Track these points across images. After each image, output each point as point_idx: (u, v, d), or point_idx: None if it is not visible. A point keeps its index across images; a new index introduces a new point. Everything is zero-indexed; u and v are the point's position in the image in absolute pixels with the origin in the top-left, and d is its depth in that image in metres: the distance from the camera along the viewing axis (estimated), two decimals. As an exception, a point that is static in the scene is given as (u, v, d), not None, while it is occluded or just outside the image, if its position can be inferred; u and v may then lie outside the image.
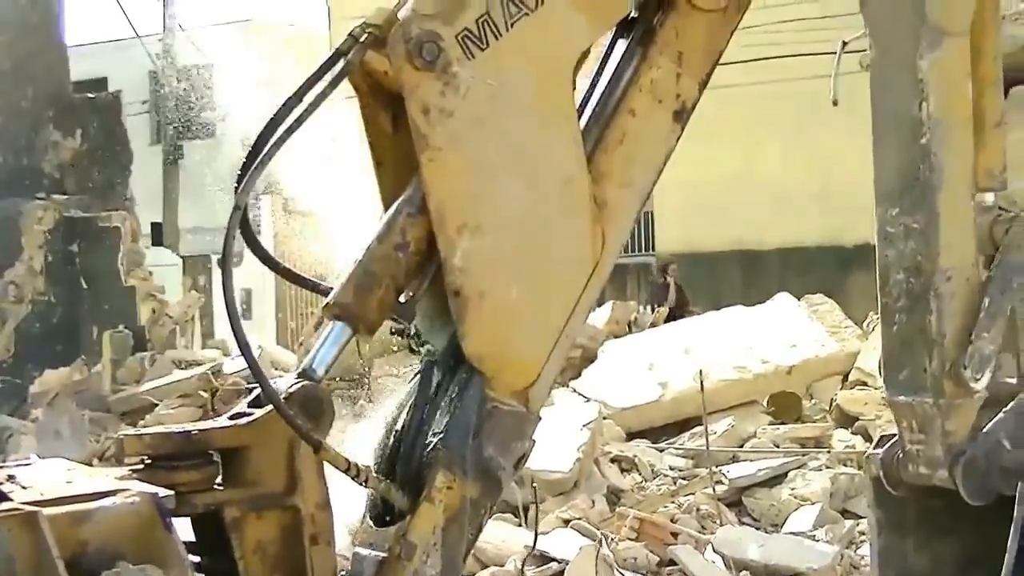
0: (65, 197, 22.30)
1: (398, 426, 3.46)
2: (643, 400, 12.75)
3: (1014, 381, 4.27)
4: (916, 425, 4.23)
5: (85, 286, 22.08)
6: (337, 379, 14.65)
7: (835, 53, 8.08)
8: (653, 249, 26.44)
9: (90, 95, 24.73)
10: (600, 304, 18.35)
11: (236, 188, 3.24)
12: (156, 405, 16.30)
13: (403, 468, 3.37)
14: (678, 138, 3.71)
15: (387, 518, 3.40)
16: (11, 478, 2.82)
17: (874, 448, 4.46)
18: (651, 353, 13.52)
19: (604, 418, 11.92)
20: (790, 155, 23.09)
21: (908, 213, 4.19)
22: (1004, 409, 4.18)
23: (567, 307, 3.53)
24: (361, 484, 3.35)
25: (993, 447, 4.14)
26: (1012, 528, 3.97)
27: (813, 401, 12.79)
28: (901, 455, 4.31)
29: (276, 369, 15.67)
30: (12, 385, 20.65)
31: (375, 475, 3.34)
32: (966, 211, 4.19)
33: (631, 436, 12.36)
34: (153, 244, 30.76)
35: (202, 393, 15.97)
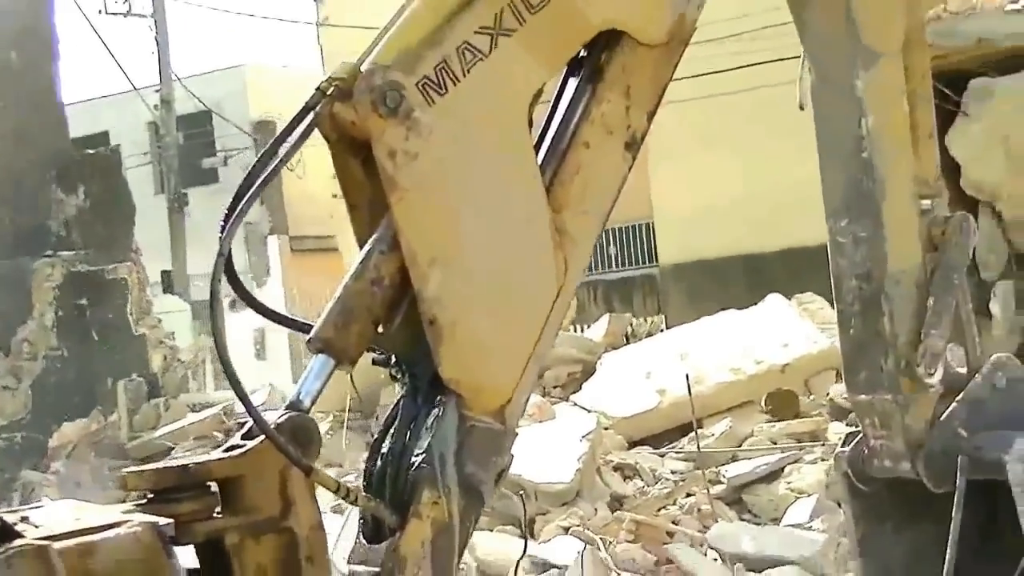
0: (72, 253, 22.51)
1: (384, 448, 3.59)
2: (642, 408, 12.78)
3: (964, 371, 4.42)
4: (878, 421, 4.39)
5: (97, 338, 22.23)
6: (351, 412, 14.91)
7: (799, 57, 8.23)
8: (656, 261, 26.51)
9: (89, 151, 24.98)
10: (596, 319, 18.53)
11: (220, 236, 3.38)
12: (172, 448, 16.54)
13: (391, 487, 3.50)
14: (630, 167, 3.85)
15: (378, 536, 3.55)
16: (24, 519, 2.95)
17: (841, 447, 4.62)
18: (648, 361, 13.54)
19: (606, 428, 12.01)
20: (782, 160, 23.10)
21: (856, 222, 4.35)
22: (957, 399, 4.34)
23: (535, 330, 3.66)
24: (351, 503, 3.50)
25: (950, 436, 4.29)
26: (955, 499, 4.15)
27: (811, 397, 12.84)
28: (866, 451, 4.47)
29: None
30: (32, 440, 20.86)
31: (364, 495, 3.49)
32: (910, 218, 4.35)
33: (633, 444, 12.42)
34: (164, 292, 30.99)
35: (216, 433, 16.20)
